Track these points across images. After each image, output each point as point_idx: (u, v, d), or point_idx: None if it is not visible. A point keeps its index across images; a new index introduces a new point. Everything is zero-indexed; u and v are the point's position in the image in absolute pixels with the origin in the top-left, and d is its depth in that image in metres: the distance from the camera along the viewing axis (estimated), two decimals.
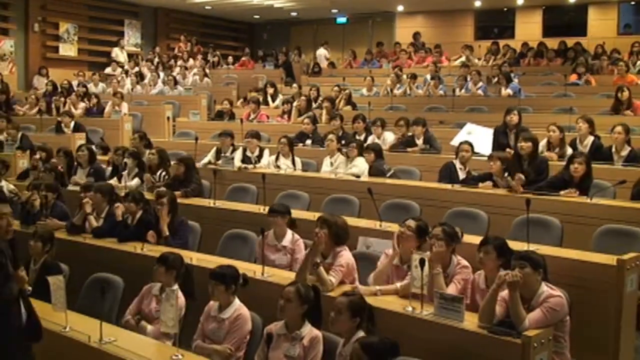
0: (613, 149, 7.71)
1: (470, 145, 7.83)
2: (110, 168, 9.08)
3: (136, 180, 8.28)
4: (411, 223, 5.06)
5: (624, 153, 7.64)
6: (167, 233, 6.28)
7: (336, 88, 12.52)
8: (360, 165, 8.26)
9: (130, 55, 18.83)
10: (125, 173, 8.41)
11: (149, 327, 4.89)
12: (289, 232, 5.89)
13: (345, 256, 5.08)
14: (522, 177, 6.66)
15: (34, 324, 3.67)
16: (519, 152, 7.19)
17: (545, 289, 4.21)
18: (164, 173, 8.17)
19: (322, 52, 19.19)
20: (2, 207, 3.76)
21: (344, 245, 5.19)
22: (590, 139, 7.98)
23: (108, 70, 17.50)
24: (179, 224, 6.45)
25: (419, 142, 9.06)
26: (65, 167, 8.85)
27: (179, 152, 9.27)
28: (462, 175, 7.57)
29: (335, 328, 4.14)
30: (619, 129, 7.67)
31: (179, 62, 17.98)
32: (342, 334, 4.14)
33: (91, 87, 15.16)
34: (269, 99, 13.45)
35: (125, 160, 8.55)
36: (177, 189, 7.64)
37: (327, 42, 19.92)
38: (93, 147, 9.73)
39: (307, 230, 5.82)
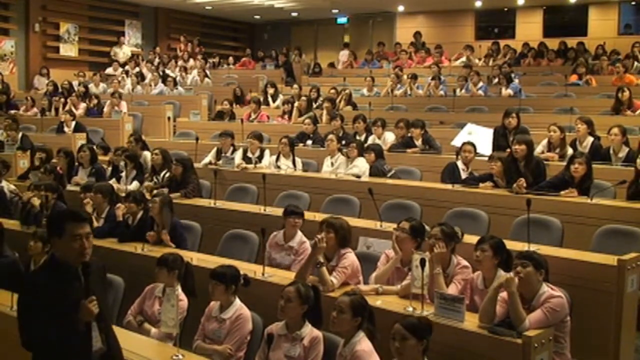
0: (611, 151, 7.70)
1: (473, 145, 7.83)
2: (110, 168, 9.08)
3: (135, 183, 8.26)
4: (405, 225, 5.07)
5: (622, 154, 7.62)
6: (173, 245, 6.15)
7: (333, 90, 12.51)
8: (361, 165, 8.26)
9: (130, 55, 18.82)
10: (123, 176, 8.41)
11: (153, 330, 4.90)
12: (299, 234, 5.89)
13: (350, 258, 5.08)
14: (524, 182, 6.65)
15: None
16: (514, 155, 7.18)
17: (546, 289, 4.21)
18: (167, 174, 8.17)
19: (345, 52, 19.03)
20: (77, 227, 3.24)
21: (348, 247, 5.19)
22: (590, 139, 7.97)
23: (109, 70, 17.48)
24: (174, 227, 6.30)
25: (418, 143, 9.06)
26: (66, 167, 8.86)
27: (179, 153, 9.27)
28: (464, 175, 7.57)
29: (337, 328, 4.13)
30: (615, 130, 7.65)
31: (179, 62, 17.98)
32: (342, 334, 4.14)
33: (92, 88, 15.18)
34: (270, 99, 13.46)
35: (122, 162, 8.55)
36: (176, 190, 7.64)
37: (348, 44, 19.93)
38: (94, 147, 9.72)
39: (307, 230, 5.83)
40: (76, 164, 9.01)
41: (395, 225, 5.24)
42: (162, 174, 8.24)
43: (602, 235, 5.81)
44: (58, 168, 8.61)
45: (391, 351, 3.80)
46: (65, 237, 3.24)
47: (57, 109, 13.10)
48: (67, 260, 3.26)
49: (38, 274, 3.50)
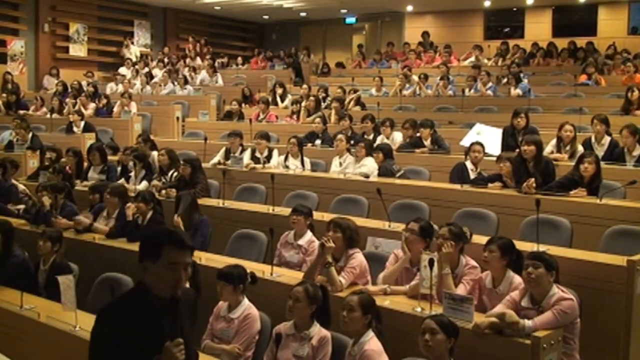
0: (625, 150, 7.68)
1: (482, 146, 7.81)
2: (119, 168, 9.11)
3: (144, 183, 8.29)
4: (414, 226, 5.07)
5: (636, 153, 7.59)
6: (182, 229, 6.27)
7: (339, 90, 12.50)
8: (370, 165, 8.25)
9: (140, 55, 18.87)
10: (132, 175, 8.44)
11: None
12: (308, 233, 5.91)
13: (358, 258, 5.08)
14: (533, 182, 6.62)
15: None
16: (523, 156, 7.14)
17: (556, 290, 4.20)
18: (175, 173, 8.18)
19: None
20: (178, 254, 2.75)
21: (356, 247, 5.20)
22: (608, 138, 7.94)
23: (121, 70, 17.50)
24: (200, 222, 6.49)
25: (427, 143, 9.04)
26: (75, 167, 8.89)
27: (188, 152, 9.29)
28: (473, 176, 7.55)
29: (349, 327, 4.13)
30: (625, 132, 7.63)
31: (187, 62, 18.00)
32: (351, 333, 4.14)
33: (107, 86, 15.24)
34: (278, 99, 13.46)
35: (131, 162, 8.58)
36: (184, 190, 7.64)
37: (362, 46, 19.92)
38: (103, 146, 9.73)
39: (316, 230, 5.83)
40: (86, 164, 9.05)
41: (403, 226, 5.23)
42: (170, 174, 8.26)
43: (612, 235, 5.77)
44: (67, 168, 8.64)
45: (419, 347, 3.82)
46: (160, 263, 2.75)
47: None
48: (157, 291, 2.77)
49: (119, 304, 2.89)
